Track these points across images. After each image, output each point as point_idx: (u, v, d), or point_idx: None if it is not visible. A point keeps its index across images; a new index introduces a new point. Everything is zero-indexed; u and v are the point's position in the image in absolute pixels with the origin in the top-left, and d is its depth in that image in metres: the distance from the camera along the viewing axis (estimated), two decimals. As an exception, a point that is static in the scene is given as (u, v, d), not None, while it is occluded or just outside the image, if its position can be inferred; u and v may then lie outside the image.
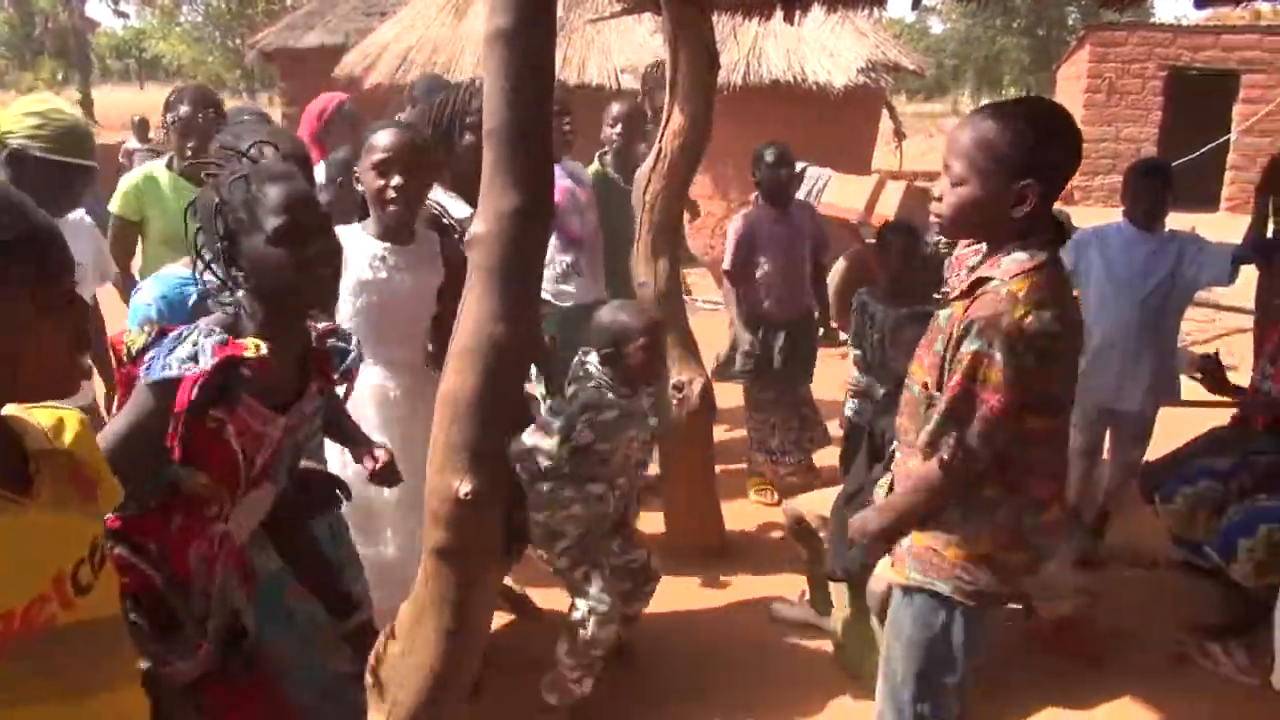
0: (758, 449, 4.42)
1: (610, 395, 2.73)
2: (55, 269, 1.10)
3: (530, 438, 2.72)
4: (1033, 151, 1.66)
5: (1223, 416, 3.60)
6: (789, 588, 3.49)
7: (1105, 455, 3.98)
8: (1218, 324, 7.79)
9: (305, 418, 1.78)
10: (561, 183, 3.62)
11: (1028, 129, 1.67)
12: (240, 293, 1.67)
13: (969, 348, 1.67)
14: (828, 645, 3.15)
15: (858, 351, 3.92)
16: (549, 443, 2.69)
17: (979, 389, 1.67)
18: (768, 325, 4.26)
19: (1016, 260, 1.69)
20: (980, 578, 1.82)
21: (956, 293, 1.79)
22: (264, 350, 1.57)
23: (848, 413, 4.00)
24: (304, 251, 1.62)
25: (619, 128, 4.21)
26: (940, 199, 1.77)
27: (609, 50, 9.75)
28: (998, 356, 1.63)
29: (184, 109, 3.48)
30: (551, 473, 2.71)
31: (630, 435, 2.81)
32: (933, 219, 1.86)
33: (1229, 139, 14.07)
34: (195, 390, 1.51)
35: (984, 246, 1.84)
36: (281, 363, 1.66)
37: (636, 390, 2.82)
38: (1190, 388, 3.59)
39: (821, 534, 3.10)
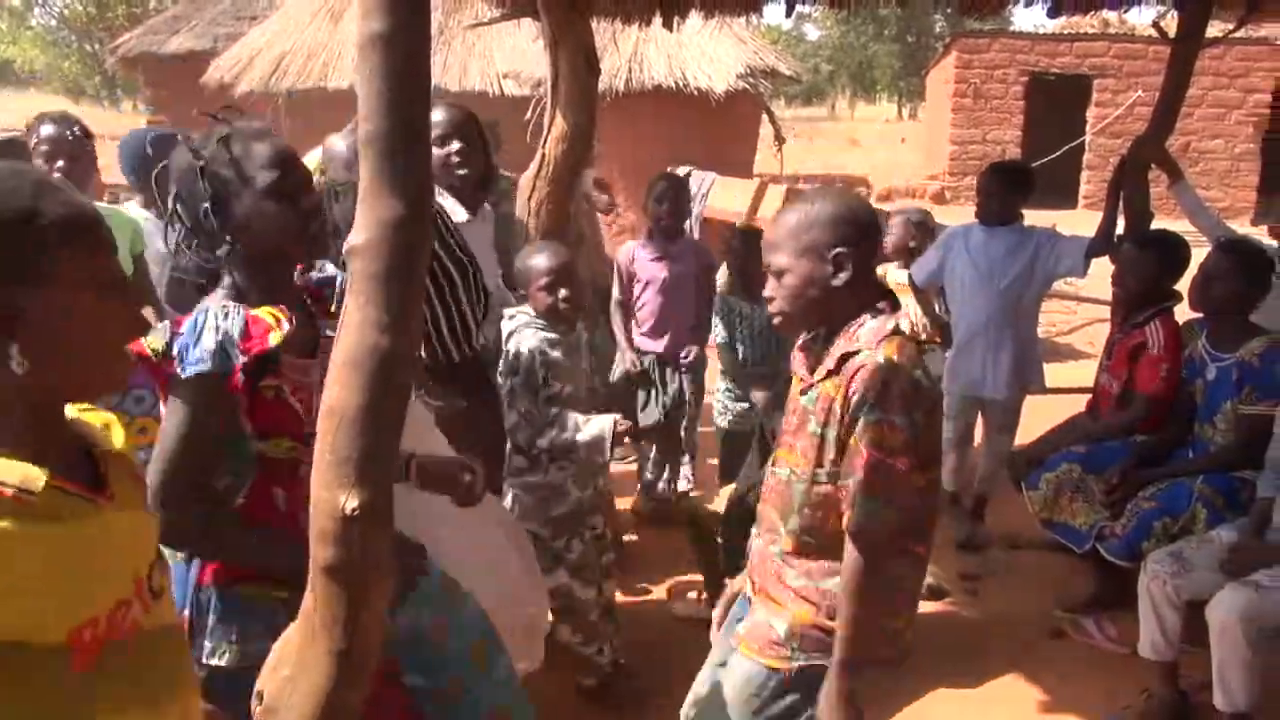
0: (639, 479, 4.35)
1: (549, 334, 2.72)
2: (106, 249, 1.06)
3: (509, 412, 2.71)
4: (836, 222, 1.78)
5: (1079, 404, 3.83)
6: (686, 587, 3.53)
7: (976, 444, 4.18)
8: (1078, 315, 8.25)
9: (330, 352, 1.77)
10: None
11: (824, 207, 1.81)
12: (224, 257, 1.65)
13: (869, 418, 1.69)
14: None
15: (727, 356, 3.95)
16: (521, 408, 2.67)
17: (887, 456, 1.69)
18: (646, 358, 4.21)
19: (872, 329, 1.76)
20: (871, 648, 1.79)
21: (823, 373, 1.80)
22: (285, 325, 1.60)
23: (723, 423, 4.03)
24: (298, 205, 1.65)
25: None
26: (771, 299, 1.85)
27: (490, 56, 9.69)
28: (897, 420, 1.68)
29: (47, 129, 3.27)
30: (536, 429, 2.69)
31: (583, 369, 2.88)
32: (774, 322, 1.89)
33: (1085, 140, 14.93)
34: (240, 383, 1.55)
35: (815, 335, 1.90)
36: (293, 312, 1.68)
37: (571, 327, 2.81)
38: (1051, 376, 3.80)
39: (716, 533, 3.15)
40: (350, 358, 1.67)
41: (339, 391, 1.68)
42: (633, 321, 4.26)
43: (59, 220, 1.01)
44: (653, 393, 4.21)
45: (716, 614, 2.17)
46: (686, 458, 4.36)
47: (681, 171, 8.07)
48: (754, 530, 2.01)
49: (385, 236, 1.61)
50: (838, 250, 1.77)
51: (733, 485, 3.22)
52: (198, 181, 1.63)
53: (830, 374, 1.78)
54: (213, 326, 1.57)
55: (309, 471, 1.68)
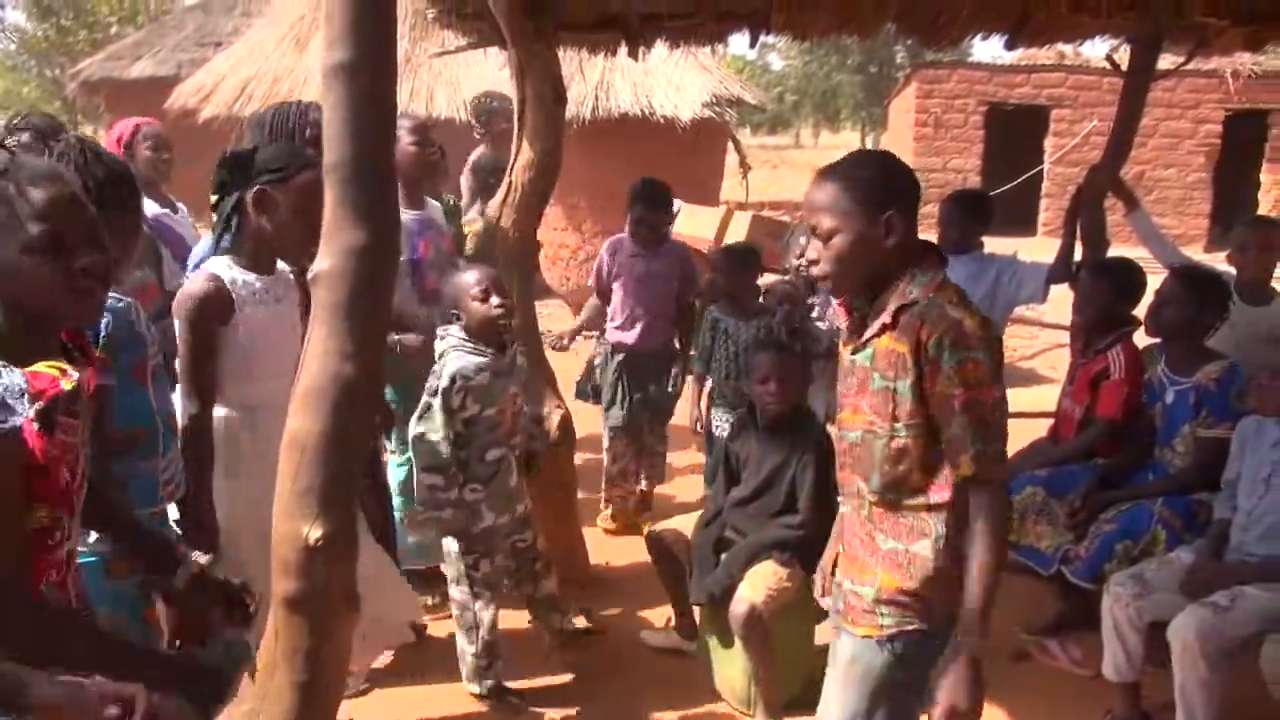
0: (611, 480, 4.38)
1: (477, 359, 2.76)
2: None
3: (416, 426, 2.74)
4: (885, 185, 1.79)
5: (1042, 428, 3.89)
6: (655, 615, 3.51)
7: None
8: (1039, 340, 8.37)
9: (91, 410, 1.58)
10: (425, 235, 3.54)
11: (873, 167, 1.82)
12: None
13: (954, 359, 1.71)
14: (694, 668, 3.18)
15: (700, 368, 4.00)
16: (436, 425, 2.71)
17: (981, 392, 1.72)
18: (619, 353, 4.27)
19: (922, 283, 1.79)
20: (954, 601, 1.80)
21: (877, 328, 1.81)
22: (74, 376, 1.40)
23: (716, 431, 4.04)
24: (70, 263, 1.38)
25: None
26: (817, 261, 1.83)
27: (457, 83, 9.71)
28: (980, 355, 1.71)
29: None
30: (446, 460, 2.73)
31: (512, 393, 2.88)
32: (820, 284, 1.91)
33: (1043, 169, 15.21)
34: (35, 437, 1.33)
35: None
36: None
37: (502, 347, 2.85)
38: (1014, 400, 3.84)
39: (684, 559, 3.14)
40: (312, 386, 1.65)
41: (301, 420, 1.67)
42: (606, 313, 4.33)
43: None
44: (619, 393, 4.24)
45: (818, 591, 2.21)
46: (654, 457, 4.40)
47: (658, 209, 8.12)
48: (840, 500, 2.02)
49: (348, 265, 1.60)
50: (889, 213, 1.76)
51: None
52: None
53: (886, 328, 1.79)
54: None
55: (60, 540, 1.51)
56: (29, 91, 32.81)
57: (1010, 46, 4.27)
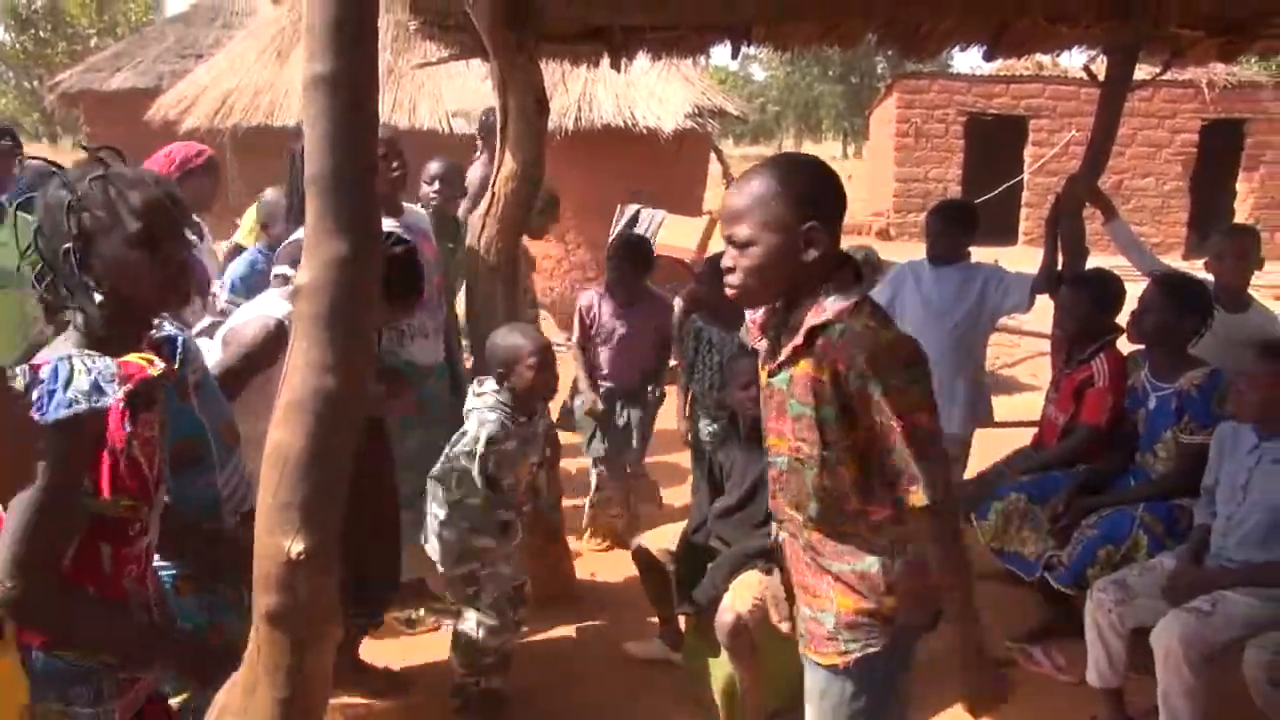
0: (597, 506, 4.37)
1: (510, 425, 2.77)
2: None
3: (456, 492, 2.75)
4: (809, 193, 1.69)
5: (1026, 436, 3.91)
6: (642, 626, 3.50)
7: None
8: (1021, 349, 8.42)
9: (166, 407, 1.75)
10: (406, 239, 3.55)
11: (796, 175, 1.71)
12: (77, 301, 1.57)
13: (880, 389, 1.63)
14: (680, 678, 3.17)
15: (684, 379, 4.00)
16: (479, 488, 2.73)
17: (914, 416, 1.64)
18: (602, 389, 4.28)
19: (838, 302, 1.68)
20: (914, 613, 1.79)
21: (788, 352, 1.73)
22: (160, 366, 1.57)
23: (705, 436, 4.03)
24: (164, 254, 1.60)
25: (436, 185, 4.17)
26: (732, 269, 1.73)
27: (439, 94, 9.71)
28: (903, 382, 1.64)
29: None
30: (470, 515, 2.75)
31: (531, 462, 2.90)
32: (730, 293, 1.77)
33: (1023, 178, 15.35)
34: (119, 422, 1.47)
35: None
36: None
37: (532, 415, 2.87)
38: (997, 409, 3.86)
39: (669, 570, 3.13)
40: (294, 399, 1.64)
41: (282, 434, 1.65)
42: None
43: None
44: (596, 430, 4.26)
45: (775, 618, 2.16)
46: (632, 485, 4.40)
47: (630, 209, 8.14)
48: (774, 527, 1.94)
49: (330, 277, 1.59)
50: (809, 225, 1.66)
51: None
52: (63, 218, 1.55)
53: (799, 351, 1.70)
54: (83, 369, 1.49)
55: (140, 531, 1.65)
56: (6, 103, 32.61)
57: (989, 57, 4.31)
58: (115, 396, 1.49)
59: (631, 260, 4.20)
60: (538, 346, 2.80)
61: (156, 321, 1.81)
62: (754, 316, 1.89)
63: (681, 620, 3.20)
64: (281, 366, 2.29)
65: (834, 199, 1.73)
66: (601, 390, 4.26)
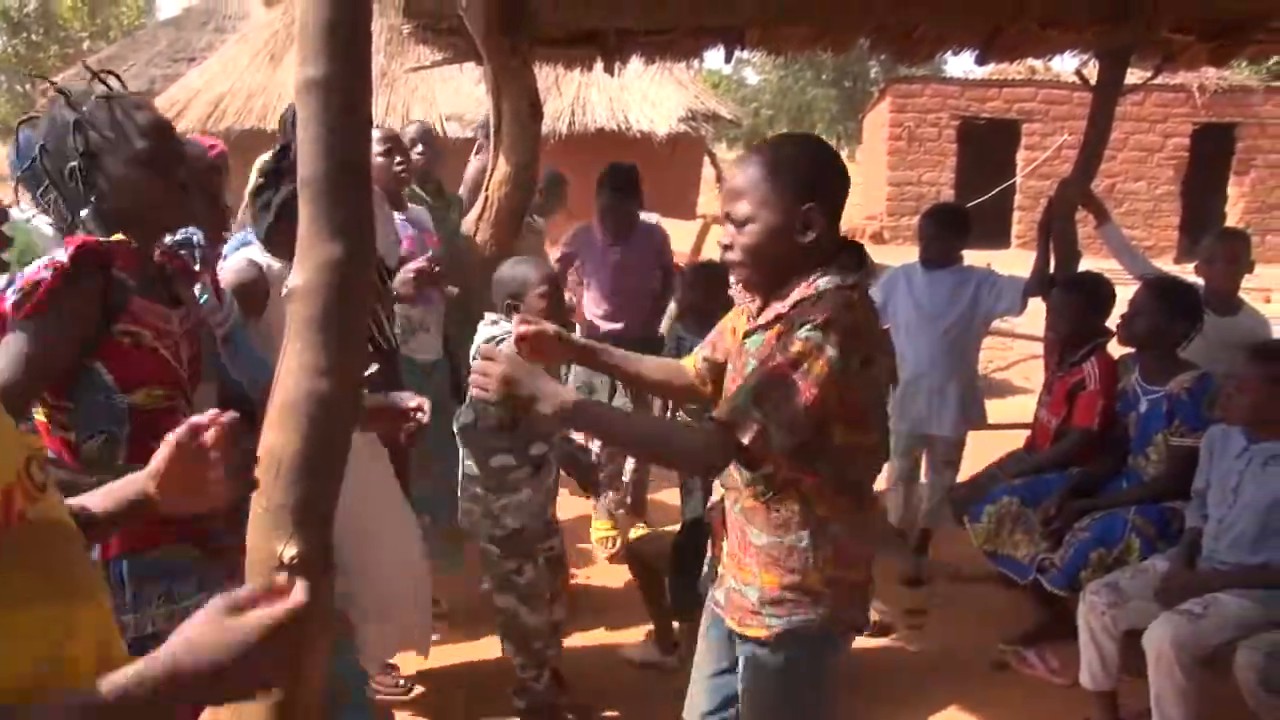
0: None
1: None
2: None
3: (465, 416, 2.74)
4: (809, 175, 1.68)
5: (1018, 439, 3.92)
6: (637, 630, 3.50)
7: (921, 477, 4.23)
8: (1014, 351, 8.44)
9: (201, 315, 1.81)
10: (407, 232, 3.57)
11: (799, 155, 1.71)
12: (86, 214, 1.63)
13: (802, 335, 1.59)
14: (674, 681, 3.17)
15: None
16: (488, 415, 2.69)
17: (799, 377, 1.59)
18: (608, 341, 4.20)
19: (831, 281, 1.67)
20: (841, 602, 1.77)
21: (770, 315, 1.71)
22: (118, 236, 1.60)
23: None
24: (171, 176, 1.66)
25: (419, 148, 4.08)
26: (729, 247, 1.73)
27: (433, 98, 9.71)
28: (829, 351, 1.58)
29: None
30: (499, 441, 2.70)
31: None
32: (732, 276, 1.78)
33: (1015, 182, 15.39)
34: (59, 273, 1.50)
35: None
36: (145, 261, 1.68)
37: None
38: (989, 411, 3.87)
39: (663, 573, 3.13)
40: (287, 401, 1.64)
41: (276, 436, 1.65)
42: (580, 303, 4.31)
43: None
44: (600, 383, 4.10)
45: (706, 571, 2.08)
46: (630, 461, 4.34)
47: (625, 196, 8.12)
48: (721, 491, 1.92)
49: (323, 280, 1.59)
50: (808, 206, 1.65)
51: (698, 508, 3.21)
52: (70, 137, 1.60)
53: (780, 318, 1.68)
54: (46, 256, 1.56)
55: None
56: (-2, 106, 32.48)
57: (981, 61, 4.34)
58: (61, 260, 1.52)
59: (620, 188, 4.09)
60: (546, 275, 2.77)
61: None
62: (748, 298, 1.86)
63: (676, 624, 3.20)
64: (269, 320, 2.30)
65: (835, 182, 1.72)
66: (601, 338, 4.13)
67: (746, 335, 1.78)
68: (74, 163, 1.61)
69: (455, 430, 2.81)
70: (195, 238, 1.94)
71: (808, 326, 1.60)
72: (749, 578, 1.80)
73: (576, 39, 3.96)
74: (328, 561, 1.70)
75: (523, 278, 2.76)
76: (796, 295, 1.68)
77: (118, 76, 1.73)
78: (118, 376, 1.60)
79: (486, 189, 3.56)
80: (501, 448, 2.73)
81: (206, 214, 2.29)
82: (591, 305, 4.27)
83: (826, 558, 1.74)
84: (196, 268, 1.86)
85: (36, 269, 1.52)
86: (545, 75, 4.84)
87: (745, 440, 1.61)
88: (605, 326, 4.22)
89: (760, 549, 1.78)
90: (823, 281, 1.67)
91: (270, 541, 1.64)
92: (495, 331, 2.76)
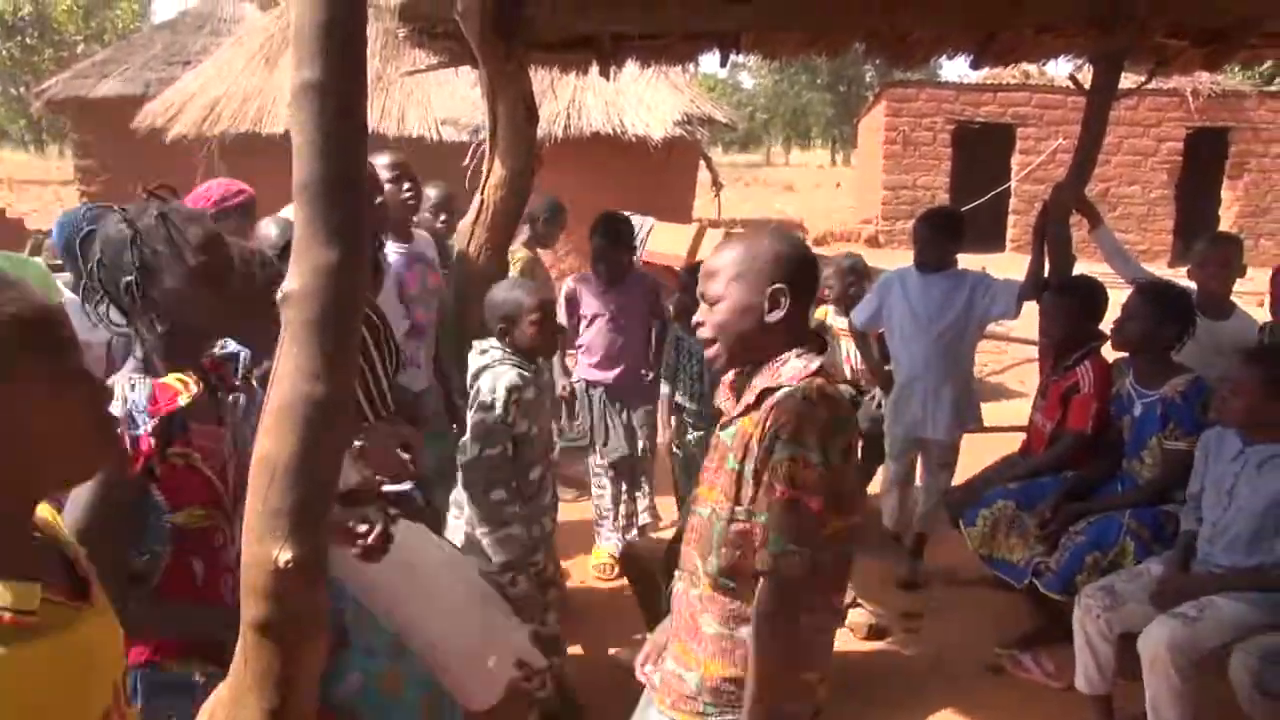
0: (598, 517, 4.30)
1: (524, 373, 2.73)
2: (67, 346, 1.04)
3: (472, 448, 2.69)
4: (779, 259, 1.75)
5: (1014, 442, 3.93)
6: (628, 632, 3.50)
7: (916, 481, 4.24)
8: (1009, 355, 8.46)
9: (238, 422, 1.81)
10: (412, 268, 3.48)
11: (772, 243, 1.79)
12: (140, 331, 1.68)
13: (783, 453, 1.63)
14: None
15: (668, 387, 3.99)
16: (496, 439, 2.66)
17: (801, 494, 1.63)
18: (598, 389, 4.21)
19: (795, 368, 1.71)
20: (784, 700, 1.72)
21: (740, 409, 1.76)
22: (193, 389, 1.64)
23: (680, 451, 4.07)
24: (224, 288, 1.70)
25: (443, 217, 4.08)
26: (702, 324, 1.80)
27: (428, 102, 9.70)
28: (812, 457, 1.63)
29: None
30: (500, 473, 2.67)
31: (547, 410, 2.86)
32: (705, 352, 1.83)
33: (1010, 186, 15.43)
34: (149, 447, 1.56)
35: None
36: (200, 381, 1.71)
37: (538, 365, 2.84)
38: (985, 415, 3.88)
39: (658, 577, 3.13)
40: (282, 405, 1.63)
41: (271, 441, 1.64)
42: (577, 353, 4.30)
43: (13, 319, 0.97)
44: (609, 427, 4.18)
45: (639, 659, 2.04)
46: (645, 489, 4.30)
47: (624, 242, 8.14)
48: (676, 574, 1.93)
49: (319, 284, 1.59)
50: (776, 286, 1.73)
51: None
52: (126, 252, 1.64)
53: (749, 409, 1.73)
54: (120, 398, 1.59)
55: (225, 541, 1.71)
56: (-7, 110, 32.40)
57: (976, 66, 4.34)
58: (143, 430, 1.58)
59: (612, 236, 4.11)
60: (539, 301, 2.76)
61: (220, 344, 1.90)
62: (727, 379, 1.91)
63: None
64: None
65: (806, 273, 1.79)
66: (597, 392, 4.18)
67: (722, 428, 1.83)
68: (129, 278, 1.64)
69: (460, 465, 2.76)
70: (242, 353, 1.93)
71: (781, 442, 1.64)
72: (692, 663, 1.80)
73: (572, 43, 3.96)
74: (322, 566, 1.69)
75: (516, 301, 2.76)
76: (762, 383, 1.73)
77: (174, 191, 1.79)
78: (167, 496, 1.64)
79: (482, 192, 3.56)
80: (502, 479, 2.70)
81: (263, 331, 2.21)
82: (584, 356, 4.26)
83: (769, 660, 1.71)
84: (237, 380, 1.86)
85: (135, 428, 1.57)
86: (541, 79, 4.82)
87: (798, 574, 1.64)
88: (594, 376, 4.22)
89: (710, 638, 1.77)
90: (786, 368, 1.72)
91: (266, 545, 1.63)
92: (485, 361, 2.76)
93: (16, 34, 28.28)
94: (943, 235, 3.95)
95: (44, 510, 1.10)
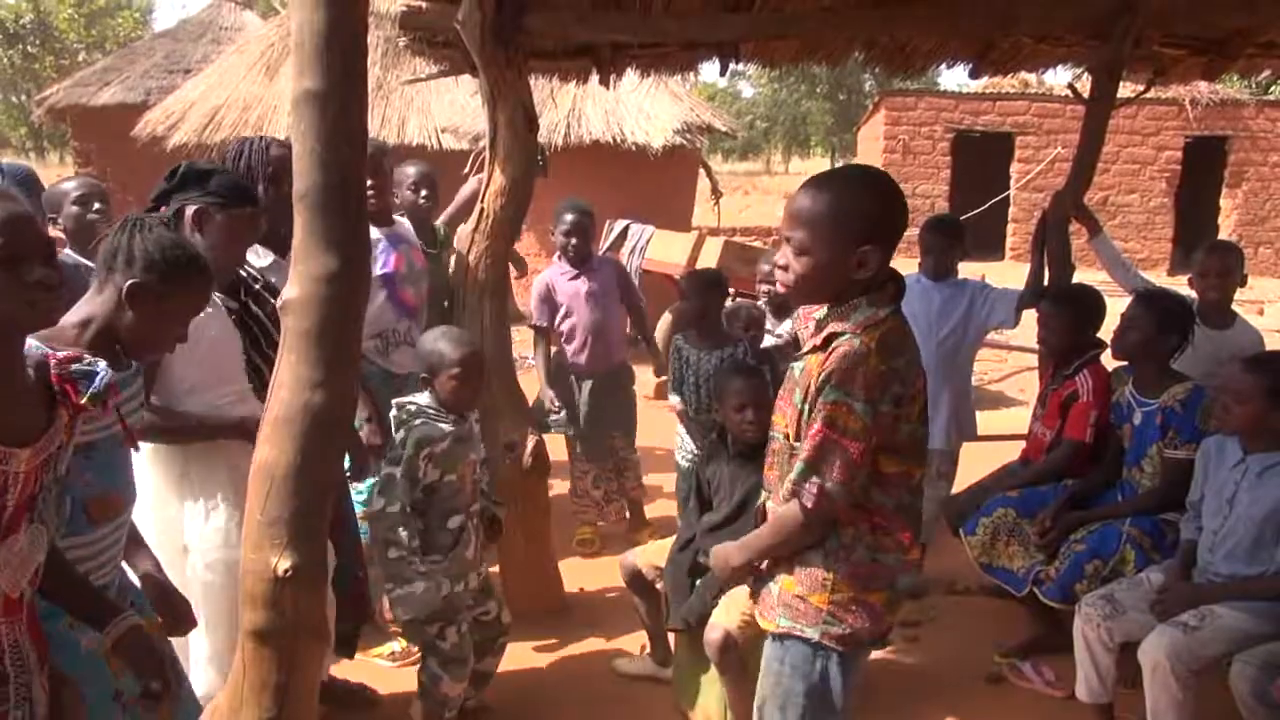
0: (579, 496, 4.51)
1: (441, 425, 2.71)
2: None
3: (377, 501, 2.67)
4: (872, 218, 1.75)
5: (1014, 450, 3.92)
6: (630, 642, 3.49)
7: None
8: (1009, 363, 8.47)
9: (58, 451, 1.57)
10: (397, 249, 3.59)
11: (865, 196, 1.77)
12: None
13: (828, 398, 1.71)
14: (669, 695, 3.16)
15: (677, 397, 4.00)
16: (396, 496, 2.64)
17: (839, 437, 1.72)
18: (577, 377, 4.39)
19: (864, 314, 1.75)
20: (847, 621, 1.85)
21: (809, 347, 1.83)
22: None
23: (681, 460, 4.07)
24: (24, 276, 1.44)
25: (424, 194, 4.14)
26: (785, 268, 1.81)
27: (429, 110, 9.72)
28: (856, 406, 1.70)
29: None
30: (396, 533, 2.64)
31: (470, 459, 2.81)
32: (778, 288, 1.89)
33: (1009, 194, 15.46)
34: None
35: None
36: (5, 394, 1.47)
37: (464, 415, 2.81)
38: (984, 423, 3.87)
39: (658, 586, 3.12)
40: (282, 415, 1.64)
41: (269, 450, 1.65)
42: (561, 345, 4.42)
43: None
44: (580, 414, 4.36)
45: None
46: (633, 465, 4.52)
47: (619, 225, 8.16)
48: (764, 492, 2.05)
49: (317, 292, 1.59)
50: (866, 247, 1.73)
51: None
52: None
53: (816, 349, 1.79)
54: None
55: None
56: (-7, 118, 32.48)
57: (975, 75, 4.36)
58: None
59: (579, 218, 4.30)
60: (461, 357, 2.70)
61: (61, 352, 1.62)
62: (807, 309, 1.95)
63: (670, 637, 3.19)
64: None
65: (895, 222, 1.80)
66: (574, 377, 4.36)
67: (795, 360, 1.92)
68: None
69: (361, 515, 2.76)
70: (106, 376, 1.62)
71: (830, 387, 1.72)
72: (779, 574, 1.94)
73: (571, 52, 3.97)
74: (322, 573, 1.69)
75: (440, 354, 2.72)
76: (831, 327, 1.78)
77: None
78: None
79: (482, 201, 3.57)
80: (397, 540, 2.64)
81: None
82: (567, 344, 4.41)
83: (840, 581, 1.85)
84: (82, 400, 1.58)
85: None
86: (541, 88, 4.84)
87: (809, 504, 1.77)
88: (584, 365, 4.39)
89: (786, 555, 1.91)
90: (856, 314, 1.76)
91: (265, 553, 1.63)
92: (402, 416, 2.73)
93: (18, 42, 28.35)
94: (947, 242, 3.94)
95: None
